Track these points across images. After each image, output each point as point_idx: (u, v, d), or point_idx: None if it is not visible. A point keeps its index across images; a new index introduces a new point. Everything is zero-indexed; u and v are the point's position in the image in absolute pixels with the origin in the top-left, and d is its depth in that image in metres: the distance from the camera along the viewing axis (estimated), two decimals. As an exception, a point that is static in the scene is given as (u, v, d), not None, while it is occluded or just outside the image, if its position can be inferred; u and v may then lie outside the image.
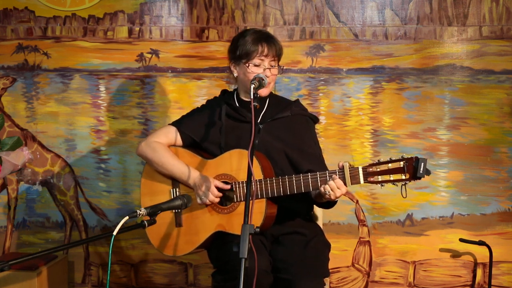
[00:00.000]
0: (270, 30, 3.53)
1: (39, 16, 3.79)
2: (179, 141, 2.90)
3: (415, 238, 3.64)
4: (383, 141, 3.63)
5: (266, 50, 2.75)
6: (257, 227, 2.25)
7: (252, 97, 2.50)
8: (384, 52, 3.60)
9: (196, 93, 3.72)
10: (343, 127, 3.61)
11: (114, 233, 2.19)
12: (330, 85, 3.64)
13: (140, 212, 2.30)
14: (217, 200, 2.73)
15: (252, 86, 2.55)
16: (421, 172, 2.42)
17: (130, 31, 3.74)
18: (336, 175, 2.55)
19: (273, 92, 2.93)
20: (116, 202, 3.81)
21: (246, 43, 2.76)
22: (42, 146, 3.83)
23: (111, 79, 3.77)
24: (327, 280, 2.73)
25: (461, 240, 3.57)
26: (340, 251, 3.64)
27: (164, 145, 2.87)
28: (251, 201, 2.30)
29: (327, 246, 2.84)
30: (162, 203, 2.44)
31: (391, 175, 2.48)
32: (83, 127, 3.81)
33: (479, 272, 3.61)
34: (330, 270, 2.80)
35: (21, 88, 3.83)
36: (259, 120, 2.81)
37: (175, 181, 2.85)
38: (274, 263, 2.65)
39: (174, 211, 2.80)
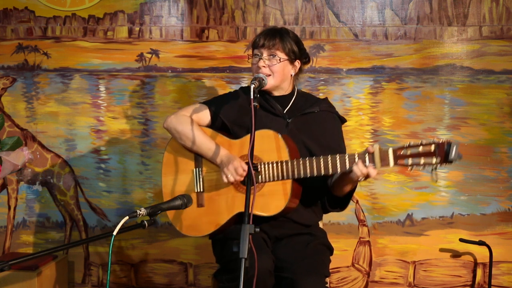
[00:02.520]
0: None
1: (39, 16, 3.79)
2: (208, 120, 2.90)
3: (415, 238, 3.64)
4: (383, 141, 3.63)
5: (261, 41, 2.80)
6: (257, 226, 2.25)
7: (252, 96, 2.50)
8: (384, 52, 3.60)
9: (196, 93, 3.72)
10: (343, 127, 3.60)
11: (114, 233, 2.19)
12: (330, 85, 3.64)
13: (140, 212, 2.31)
14: (241, 178, 2.70)
15: (252, 86, 2.56)
16: (453, 156, 2.37)
17: (130, 31, 3.74)
18: (366, 156, 2.54)
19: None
20: (116, 202, 3.81)
21: (254, 38, 2.88)
22: (42, 146, 3.83)
23: (111, 79, 3.77)
24: (327, 280, 2.73)
25: (461, 240, 3.57)
26: (340, 251, 3.64)
27: (193, 120, 2.86)
28: (253, 197, 2.30)
29: (329, 249, 2.86)
30: (162, 203, 2.45)
31: (422, 158, 2.45)
32: (83, 127, 3.81)
33: (479, 272, 3.61)
34: (330, 270, 2.80)
35: (21, 88, 3.83)
36: (285, 112, 2.85)
37: (198, 161, 2.84)
38: (276, 262, 2.65)
39: (196, 190, 2.82)
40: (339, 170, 2.59)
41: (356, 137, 3.63)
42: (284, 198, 2.64)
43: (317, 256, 2.70)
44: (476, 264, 3.61)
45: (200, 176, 2.83)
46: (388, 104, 3.63)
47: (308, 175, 2.62)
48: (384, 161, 2.52)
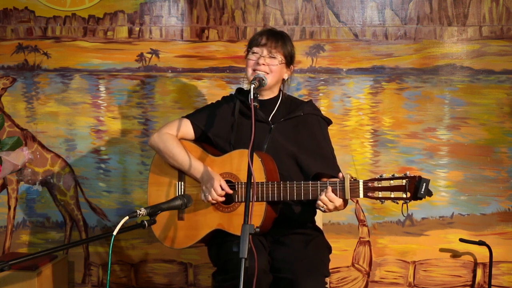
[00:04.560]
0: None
1: (39, 16, 3.79)
2: (192, 134, 2.92)
3: (415, 238, 3.64)
4: (383, 141, 3.63)
5: (264, 40, 2.81)
6: (257, 227, 2.25)
7: (251, 97, 2.51)
8: (384, 52, 3.60)
9: (196, 93, 3.72)
10: (343, 127, 3.61)
11: (114, 233, 2.19)
12: (330, 85, 3.64)
13: (140, 212, 2.31)
14: (221, 199, 2.73)
15: (252, 86, 2.57)
16: (422, 192, 2.41)
17: (130, 31, 3.74)
18: (337, 186, 2.55)
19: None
20: (116, 202, 3.81)
21: (254, 35, 2.89)
22: (42, 146, 3.83)
23: (111, 79, 3.78)
24: (327, 280, 2.73)
25: (461, 240, 3.57)
26: (340, 251, 3.64)
27: (175, 137, 2.89)
28: (250, 202, 2.30)
29: (328, 248, 2.86)
30: (162, 203, 2.45)
31: (392, 193, 2.47)
32: (83, 127, 3.81)
33: (479, 272, 3.61)
34: (330, 270, 2.80)
35: (21, 88, 3.83)
36: (270, 119, 2.86)
37: (181, 175, 2.86)
38: (274, 263, 2.65)
39: None
40: (311, 197, 2.61)
41: (356, 137, 3.63)
42: (258, 219, 2.64)
43: (317, 256, 2.70)
44: (476, 264, 3.61)
45: (182, 190, 2.85)
46: (388, 104, 3.63)
47: (282, 199, 2.64)
48: (354, 192, 2.53)
